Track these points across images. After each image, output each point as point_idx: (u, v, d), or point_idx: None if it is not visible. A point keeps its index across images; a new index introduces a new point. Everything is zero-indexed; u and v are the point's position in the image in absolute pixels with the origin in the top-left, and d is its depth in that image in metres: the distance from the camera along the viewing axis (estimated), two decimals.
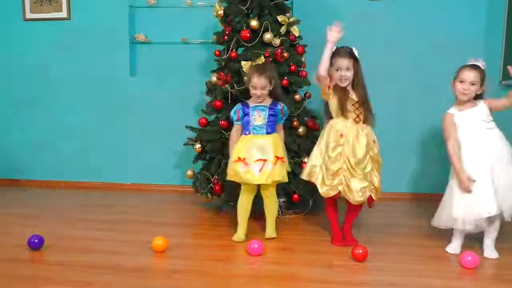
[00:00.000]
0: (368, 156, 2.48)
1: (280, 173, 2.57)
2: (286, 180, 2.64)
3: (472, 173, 2.35)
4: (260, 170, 2.51)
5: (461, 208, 2.36)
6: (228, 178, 2.64)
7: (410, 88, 3.65)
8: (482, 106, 2.42)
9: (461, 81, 2.42)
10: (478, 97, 2.45)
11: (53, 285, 2.05)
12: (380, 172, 2.56)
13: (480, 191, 2.33)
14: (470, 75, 2.39)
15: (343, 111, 2.50)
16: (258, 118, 2.60)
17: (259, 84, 2.57)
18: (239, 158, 2.54)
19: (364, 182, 2.47)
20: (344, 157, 2.47)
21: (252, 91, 2.60)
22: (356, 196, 2.47)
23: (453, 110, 2.46)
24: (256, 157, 2.53)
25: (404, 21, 3.64)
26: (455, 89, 2.45)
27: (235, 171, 2.55)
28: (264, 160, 2.52)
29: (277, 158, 2.56)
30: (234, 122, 2.69)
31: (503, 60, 3.25)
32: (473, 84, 2.39)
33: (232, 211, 3.14)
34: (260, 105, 2.62)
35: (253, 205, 2.70)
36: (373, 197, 2.53)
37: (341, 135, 2.49)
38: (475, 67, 2.41)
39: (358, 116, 2.51)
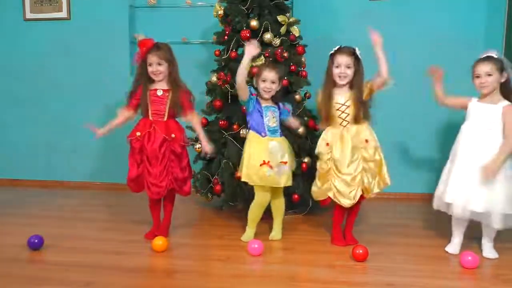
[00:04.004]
0: (358, 158, 2.47)
1: (291, 175, 2.62)
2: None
3: (464, 166, 2.38)
4: (287, 173, 2.54)
5: (451, 195, 2.41)
6: (249, 180, 2.54)
7: (411, 88, 3.64)
8: (500, 107, 2.37)
9: (477, 76, 2.41)
10: (507, 90, 2.41)
11: (53, 285, 2.05)
12: (377, 172, 2.53)
13: (469, 186, 2.35)
14: (483, 68, 2.38)
15: (328, 117, 2.53)
16: (272, 119, 2.58)
17: (269, 77, 2.53)
18: (264, 161, 2.50)
19: (352, 185, 2.47)
20: (331, 162, 2.50)
21: (261, 85, 2.55)
22: (347, 200, 2.48)
23: (475, 99, 2.46)
24: (278, 159, 2.52)
25: (404, 21, 3.64)
26: (476, 86, 2.44)
27: (261, 175, 2.50)
28: (285, 162, 2.54)
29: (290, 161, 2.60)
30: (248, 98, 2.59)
31: None
32: (489, 75, 2.37)
33: (232, 211, 3.13)
34: (271, 106, 2.60)
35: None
36: (364, 195, 2.53)
37: (327, 144, 2.53)
38: (487, 58, 2.40)
39: (344, 119, 2.51)
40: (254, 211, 2.62)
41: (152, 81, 2.62)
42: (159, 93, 2.59)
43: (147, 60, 2.58)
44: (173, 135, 2.58)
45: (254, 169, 2.51)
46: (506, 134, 2.34)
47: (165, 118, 2.61)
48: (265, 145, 2.54)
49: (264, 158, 2.51)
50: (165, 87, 2.61)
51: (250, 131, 2.61)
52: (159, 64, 2.57)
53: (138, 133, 2.59)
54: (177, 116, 2.66)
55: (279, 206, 2.69)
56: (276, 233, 2.69)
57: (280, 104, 2.65)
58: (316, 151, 2.60)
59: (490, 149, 2.34)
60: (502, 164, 2.31)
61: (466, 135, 2.44)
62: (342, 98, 2.50)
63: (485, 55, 2.41)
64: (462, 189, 2.37)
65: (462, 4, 3.56)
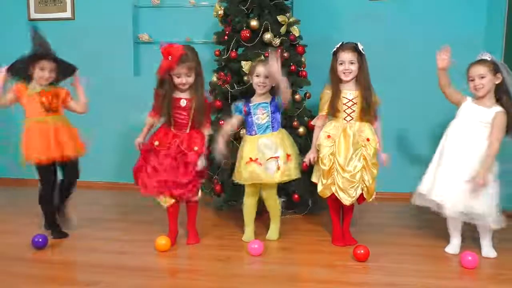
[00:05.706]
0: (358, 154, 2.49)
1: (294, 170, 2.58)
2: (299, 175, 2.62)
3: (453, 164, 2.40)
4: (278, 168, 2.50)
5: (440, 193, 2.41)
6: (239, 180, 2.58)
7: (411, 88, 3.65)
8: (492, 112, 2.38)
9: (472, 80, 2.42)
10: (503, 93, 2.40)
11: (57, 284, 2.08)
12: (373, 171, 2.52)
13: (457, 186, 2.36)
14: (476, 70, 2.39)
15: (334, 111, 2.54)
16: (262, 116, 2.57)
17: (263, 72, 2.54)
18: (250, 159, 2.52)
19: (353, 182, 2.47)
20: (333, 157, 2.50)
21: (255, 80, 2.56)
22: (346, 196, 2.49)
23: (469, 98, 2.47)
24: (268, 155, 2.51)
25: (404, 21, 3.63)
26: (470, 89, 2.44)
27: (250, 172, 2.51)
28: (276, 157, 2.51)
29: (288, 155, 2.55)
30: (236, 114, 2.62)
31: (503, 60, 3.24)
32: (482, 77, 2.38)
33: (232, 211, 3.15)
34: (262, 102, 2.58)
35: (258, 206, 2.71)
36: (365, 196, 2.53)
37: (328, 136, 2.53)
38: (480, 61, 2.41)
39: (349, 114, 2.53)
40: (245, 209, 2.65)
41: (175, 89, 2.50)
42: (183, 103, 2.49)
43: (175, 71, 2.43)
44: (195, 148, 2.50)
45: (244, 168, 2.54)
46: (491, 139, 2.34)
47: (188, 130, 2.53)
48: (255, 143, 2.55)
49: (251, 155, 2.52)
50: (188, 96, 2.50)
51: (246, 133, 2.66)
52: (188, 76, 2.46)
53: (156, 143, 2.50)
54: (199, 127, 2.56)
55: (272, 206, 2.67)
56: (271, 233, 2.70)
57: (275, 98, 2.60)
58: (317, 143, 2.59)
59: (478, 148, 2.36)
60: (489, 171, 2.32)
61: (456, 132, 2.44)
62: (351, 94, 2.52)
63: (479, 58, 2.43)
64: (450, 188, 2.38)
65: (462, 4, 3.55)
